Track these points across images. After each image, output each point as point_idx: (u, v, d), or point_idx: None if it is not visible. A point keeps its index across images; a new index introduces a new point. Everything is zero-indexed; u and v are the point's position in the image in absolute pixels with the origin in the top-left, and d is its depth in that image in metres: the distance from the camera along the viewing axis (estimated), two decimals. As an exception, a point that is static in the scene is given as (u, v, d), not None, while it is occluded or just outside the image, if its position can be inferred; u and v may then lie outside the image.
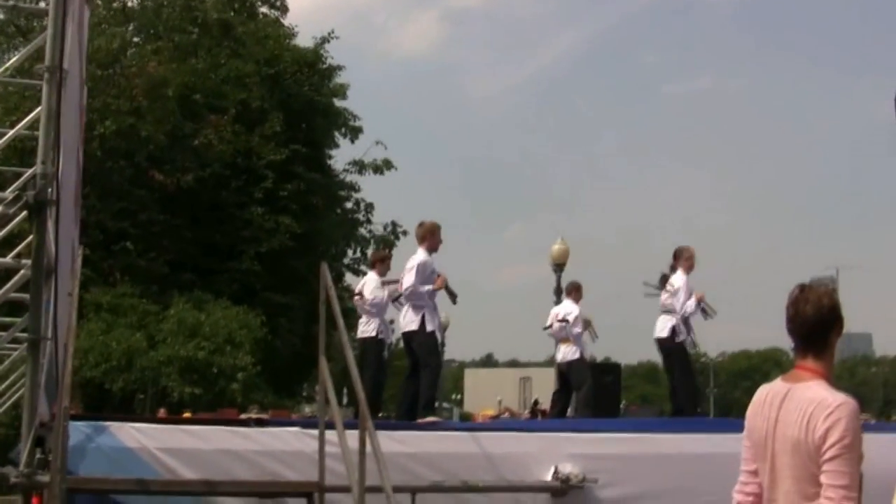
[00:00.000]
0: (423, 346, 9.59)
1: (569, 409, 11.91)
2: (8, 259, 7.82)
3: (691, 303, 10.78)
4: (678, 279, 10.92)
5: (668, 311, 10.86)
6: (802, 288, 3.54)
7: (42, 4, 20.34)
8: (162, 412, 19.61)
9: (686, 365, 11.21)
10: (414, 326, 9.58)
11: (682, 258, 11.05)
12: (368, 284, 10.41)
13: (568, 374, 11.84)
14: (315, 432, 6.53)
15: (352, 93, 30.99)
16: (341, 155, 31.75)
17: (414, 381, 9.67)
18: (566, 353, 11.86)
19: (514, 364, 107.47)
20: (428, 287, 9.58)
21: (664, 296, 10.97)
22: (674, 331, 10.78)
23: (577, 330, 11.85)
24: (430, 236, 9.90)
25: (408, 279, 9.59)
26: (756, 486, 3.65)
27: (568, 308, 12.17)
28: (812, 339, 3.49)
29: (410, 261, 9.75)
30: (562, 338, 11.95)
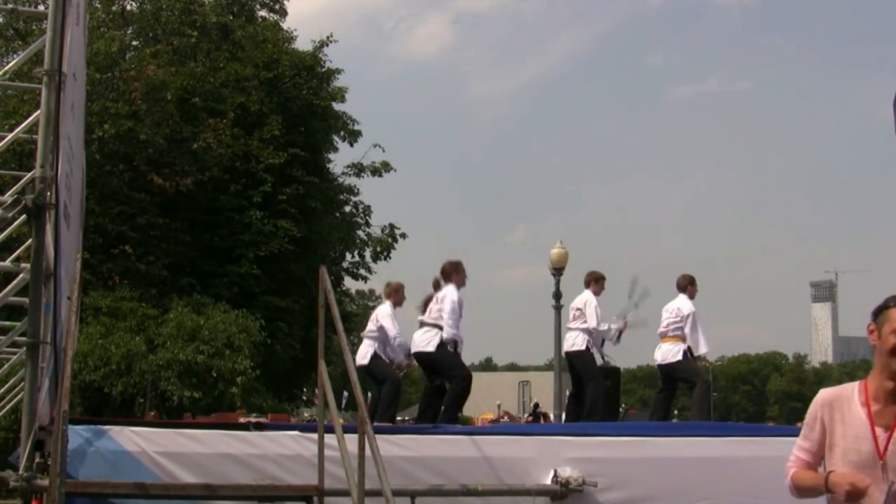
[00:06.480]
0: (448, 364, 9.85)
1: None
2: (7, 263, 7.83)
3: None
4: (686, 306, 10.92)
5: (675, 336, 10.83)
6: None
7: (41, 8, 20.39)
8: (153, 415, 19.61)
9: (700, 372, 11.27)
10: (431, 349, 9.78)
11: (688, 285, 11.07)
12: (385, 319, 10.55)
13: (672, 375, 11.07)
14: (314, 436, 6.53)
15: (358, 96, 31.35)
16: (340, 158, 31.81)
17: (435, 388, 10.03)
18: (667, 352, 10.91)
19: (513, 368, 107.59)
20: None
21: (669, 321, 10.91)
22: (685, 353, 10.78)
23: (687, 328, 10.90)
24: (455, 273, 10.05)
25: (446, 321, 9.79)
26: None
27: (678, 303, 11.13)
28: None
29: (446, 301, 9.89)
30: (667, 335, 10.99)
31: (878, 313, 3.77)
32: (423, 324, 9.96)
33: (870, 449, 3.72)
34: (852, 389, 3.86)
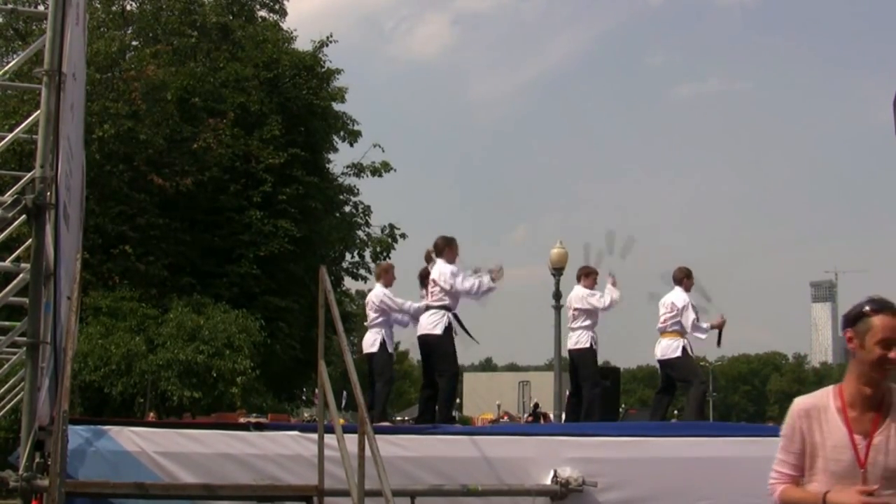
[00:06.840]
0: (445, 353, 9.75)
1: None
2: (7, 263, 7.83)
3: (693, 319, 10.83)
4: (680, 299, 10.90)
5: (674, 331, 10.81)
6: None
7: (41, 8, 20.40)
8: (151, 416, 19.61)
9: (698, 372, 11.24)
10: (438, 331, 9.69)
11: (684, 278, 11.05)
12: (379, 297, 10.48)
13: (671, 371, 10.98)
14: (314, 436, 6.53)
15: (358, 96, 31.37)
16: (340, 158, 31.78)
17: (431, 388, 9.87)
18: (666, 347, 10.84)
19: (512, 368, 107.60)
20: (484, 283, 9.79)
21: (666, 316, 10.90)
22: (684, 349, 10.76)
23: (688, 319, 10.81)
24: (448, 249, 10.00)
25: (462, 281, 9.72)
26: None
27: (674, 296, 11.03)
28: None
29: (440, 272, 9.81)
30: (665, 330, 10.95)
31: (857, 320, 3.66)
32: (429, 307, 9.91)
33: (850, 458, 3.65)
34: (827, 396, 3.78)
